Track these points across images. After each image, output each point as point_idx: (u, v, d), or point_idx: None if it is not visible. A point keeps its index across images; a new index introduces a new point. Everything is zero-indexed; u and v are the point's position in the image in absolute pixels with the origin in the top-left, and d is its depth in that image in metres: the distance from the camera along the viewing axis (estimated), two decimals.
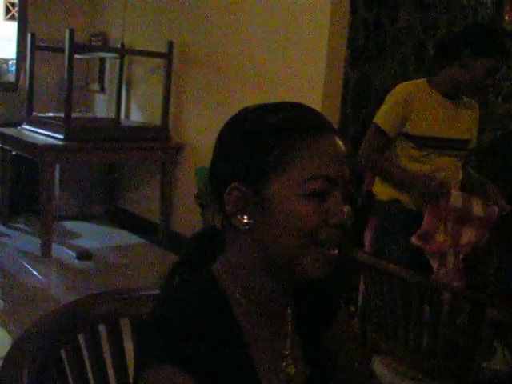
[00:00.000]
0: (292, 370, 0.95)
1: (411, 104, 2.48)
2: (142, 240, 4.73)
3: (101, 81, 5.40)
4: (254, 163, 0.87)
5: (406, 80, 2.80)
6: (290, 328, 0.98)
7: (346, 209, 0.88)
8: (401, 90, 2.55)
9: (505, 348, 2.15)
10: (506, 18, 4.50)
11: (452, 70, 2.49)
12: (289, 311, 0.99)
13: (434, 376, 2.03)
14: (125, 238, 4.80)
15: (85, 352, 1.11)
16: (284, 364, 0.95)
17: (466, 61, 2.42)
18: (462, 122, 2.58)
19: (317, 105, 3.34)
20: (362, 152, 2.55)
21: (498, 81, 4.59)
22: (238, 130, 0.92)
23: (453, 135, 2.54)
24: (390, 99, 2.54)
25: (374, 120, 2.54)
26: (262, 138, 0.88)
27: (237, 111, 0.96)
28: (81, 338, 1.11)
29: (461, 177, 2.66)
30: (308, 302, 1.02)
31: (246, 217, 0.88)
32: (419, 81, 2.60)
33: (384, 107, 2.54)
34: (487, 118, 4.56)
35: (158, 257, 4.46)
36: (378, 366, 2.17)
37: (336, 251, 0.89)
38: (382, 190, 2.60)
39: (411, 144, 2.49)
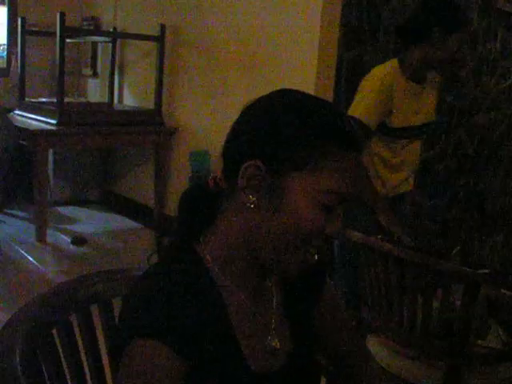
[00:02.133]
0: (277, 343, 0.96)
1: (393, 96, 2.37)
2: (137, 224, 4.72)
3: (93, 65, 5.37)
4: (284, 151, 0.87)
5: None
6: (274, 303, 0.99)
7: (338, 224, 0.91)
8: (381, 79, 2.38)
9: (499, 326, 2.16)
10: None
11: (422, 51, 2.38)
12: (273, 285, 1.00)
13: (428, 354, 2.04)
14: (119, 222, 4.80)
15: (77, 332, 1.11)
16: (269, 338, 0.96)
17: (438, 39, 2.33)
18: (429, 105, 2.57)
19: (310, 87, 3.33)
20: None
21: (493, 61, 4.58)
22: (279, 112, 0.89)
23: (423, 120, 2.52)
24: (369, 87, 2.38)
25: (352, 113, 2.31)
26: (303, 131, 0.87)
27: (278, 89, 0.94)
28: (73, 319, 1.11)
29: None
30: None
31: (255, 196, 0.88)
32: (393, 64, 2.44)
33: (363, 97, 2.36)
34: (481, 99, 4.56)
35: (153, 241, 4.44)
36: (374, 344, 2.17)
37: (316, 258, 0.92)
38: None
39: (387, 136, 2.43)
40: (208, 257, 0.92)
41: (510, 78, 4.84)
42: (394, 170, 2.53)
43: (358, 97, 2.39)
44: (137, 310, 0.85)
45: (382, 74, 2.40)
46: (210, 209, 0.95)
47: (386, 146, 2.47)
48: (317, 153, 0.86)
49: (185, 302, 0.85)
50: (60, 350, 1.07)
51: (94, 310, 1.16)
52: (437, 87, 2.62)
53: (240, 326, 0.92)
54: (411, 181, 2.67)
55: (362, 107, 2.34)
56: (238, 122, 0.93)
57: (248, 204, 0.88)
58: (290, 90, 0.94)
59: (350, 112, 2.34)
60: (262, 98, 0.93)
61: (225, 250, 0.92)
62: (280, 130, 0.87)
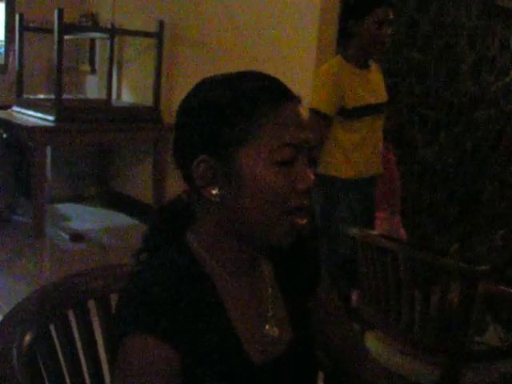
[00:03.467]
0: (275, 331, 0.96)
1: (341, 80, 2.61)
2: (135, 221, 4.72)
3: (91, 62, 5.35)
4: (219, 134, 0.87)
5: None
6: (270, 291, 0.98)
7: (311, 173, 0.89)
8: (328, 70, 2.66)
9: (496, 322, 2.16)
10: None
11: (354, 40, 2.65)
12: (267, 274, 1.00)
13: (426, 351, 2.04)
14: (118, 219, 4.80)
15: (74, 328, 1.11)
16: (267, 326, 0.95)
17: (354, 25, 2.62)
18: (379, 86, 2.81)
19: (309, 83, 3.32)
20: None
21: (492, 58, 4.58)
22: (202, 102, 0.90)
23: (377, 100, 2.74)
24: (322, 82, 2.65)
25: (312, 106, 2.58)
26: (226, 108, 0.87)
27: (197, 82, 0.95)
28: (70, 314, 1.11)
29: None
30: (287, 264, 1.03)
31: (216, 189, 0.88)
32: (336, 59, 2.73)
33: (317, 91, 2.63)
34: (480, 96, 4.56)
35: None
36: (372, 340, 2.17)
37: (304, 220, 0.90)
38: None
39: (347, 117, 2.63)
40: (197, 247, 0.92)
41: (508, 74, 4.84)
42: (358, 147, 2.70)
43: (312, 92, 2.65)
44: (129, 305, 0.85)
45: (327, 67, 2.69)
46: (189, 215, 0.95)
47: (348, 129, 2.68)
48: (252, 120, 0.86)
49: (177, 294, 0.85)
50: (57, 346, 1.07)
51: (91, 305, 1.15)
52: (380, 71, 2.87)
53: (236, 315, 0.91)
54: (378, 162, 2.83)
55: (317, 99, 2.60)
56: (174, 129, 0.94)
57: (213, 199, 0.88)
58: (204, 79, 0.95)
59: (310, 106, 2.59)
60: (184, 98, 0.94)
61: (211, 239, 0.92)
62: (204, 117, 0.88)
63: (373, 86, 2.74)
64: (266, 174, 0.86)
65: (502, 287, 2.23)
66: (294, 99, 0.90)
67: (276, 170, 0.86)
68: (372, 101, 2.70)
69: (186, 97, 0.94)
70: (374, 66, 2.80)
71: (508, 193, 5.05)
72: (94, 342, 1.15)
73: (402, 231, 3.28)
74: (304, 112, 0.91)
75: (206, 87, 0.92)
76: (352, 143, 2.67)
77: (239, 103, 0.87)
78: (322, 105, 2.58)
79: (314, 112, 2.57)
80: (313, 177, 0.89)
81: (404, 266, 1.93)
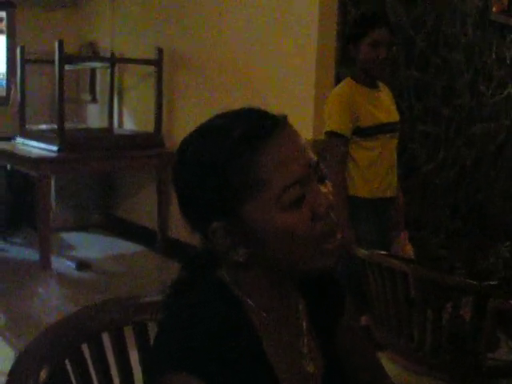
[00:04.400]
0: (312, 368, 0.94)
1: (355, 101, 2.66)
2: (141, 248, 4.72)
3: (92, 91, 5.39)
4: (221, 198, 0.83)
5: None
6: (304, 326, 0.96)
7: (325, 191, 0.86)
8: (340, 93, 2.72)
9: (509, 338, 2.15)
10: (494, 9, 4.52)
11: (357, 61, 2.72)
12: (301, 309, 0.97)
13: (439, 370, 2.03)
14: (123, 246, 4.79)
15: (90, 361, 1.11)
16: (303, 362, 0.93)
17: (353, 46, 2.68)
18: (390, 106, 2.85)
19: (309, 105, 3.36)
20: (332, 173, 2.56)
21: (488, 72, 4.61)
22: (190, 170, 0.86)
23: (389, 119, 2.77)
24: (335, 104, 2.68)
25: (329, 129, 2.65)
26: (217, 169, 0.83)
27: (176, 150, 0.90)
28: (85, 348, 1.11)
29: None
30: (316, 296, 1.00)
31: (239, 250, 0.86)
32: (346, 81, 2.77)
33: (333, 114, 2.66)
34: (478, 110, 4.58)
35: (158, 263, 4.45)
36: (385, 361, 2.16)
37: (336, 238, 0.86)
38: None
39: (362, 136, 2.66)
40: (231, 284, 0.90)
41: (505, 88, 4.87)
42: (373, 165, 2.72)
43: (327, 115, 2.69)
44: (168, 343, 0.84)
45: (339, 90, 2.76)
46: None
47: (364, 148, 2.69)
48: (247, 173, 0.81)
49: (218, 334, 0.83)
50: (73, 381, 1.07)
51: (105, 338, 1.15)
52: (389, 91, 2.92)
53: (274, 352, 0.89)
54: (394, 184, 2.85)
55: (332, 121, 2.65)
56: (177, 194, 0.90)
57: (241, 259, 0.86)
58: (188, 139, 0.89)
59: (326, 130, 2.66)
60: (176, 162, 0.89)
61: (244, 276, 0.90)
62: (199, 185, 0.85)
63: (384, 106, 2.79)
64: (281, 221, 0.82)
65: None
66: (282, 126, 0.85)
67: (289, 213, 0.82)
68: (385, 120, 2.74)
69: (175, 168, 0.89)
70: (382, 86, 2.84)
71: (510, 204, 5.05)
72: (110, 376, 1.15)
73: (409, 247, 3.28)
74: (296, 135, 0.86)
75: (189, 153, 0.87)
76: (368, 162, 2.70)
77: (231, 160, 0.82)
78: (339, 126, 2.62)
79: (332, 134, 2.63)
80: (329, 193, 0.86)
81: (414, 286, 1.93)
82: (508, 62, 4.86)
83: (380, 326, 2.15)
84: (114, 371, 1.16)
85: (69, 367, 1.06)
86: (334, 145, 2.61)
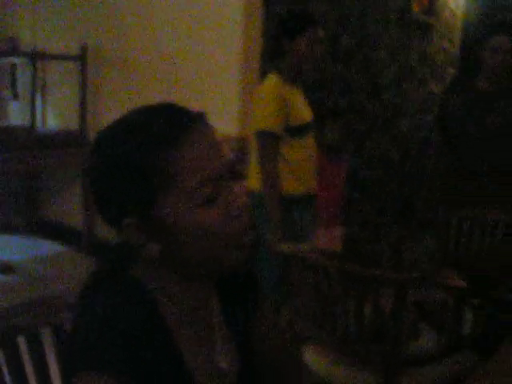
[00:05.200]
0: (225, 364, 0.94)
1: (284, 98, 2.59)
2: (66, 249, 4.61)
3: (13, 87, 5.21)
4: (134, 193, 0.83)
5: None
6: (217, 322, 0.97)
7: (239, 189, 0.87)
8: (270, 90, 2.61)
9: (430, 328, 2.21)
10: (414, 7, 4.65)
11: (289, 58, 2.65)
12: (214, 305, 0.98)
13: (363, 360, 2.07)
14: (48, 248, 4.67)
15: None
16: (217, 359, 0.94)
17: (287, 45, 2.62)
18: (306, 105, 2.80)
19: (234, 102, 3.36)
20: (265, 172, 2.56)
21: (411, 69, 4.73)
22: (104, 164, 0.85)
23: (309, 118, 2.76)
24: (264, 101, 2.60)
25: (258, 127, 2.59)
26: (131, 164, 0.82)
27: (98, 136, 0.89)
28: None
29: None
30: (231, 292, 1.01)
31: (152, 245, 0.85)
32: (273, 77, 2.67)
33: (262, 111, 2.59)
34: (403, 106, 4.70)
35: (84, 264, 4.35)
36: (311, 354, 2.19)
37: (247, 238, 0.87)
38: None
39: (292, 135, 2.62)
40: (145, 282, 0.89)
41: (428, 85, 5.02)
42: (304, 165, 2.72)
43: (257, 113, 2.61)
44: (80, 341, 0.83)
45: (269, 86, 2.64)
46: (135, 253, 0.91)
47: (294, 146, 2.66)
48: (159, 168, 0.81)
49: (129, 331, 0.82)
50: None
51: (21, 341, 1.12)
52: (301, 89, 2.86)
53: (187, 350, 0.90)
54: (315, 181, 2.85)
55: (263, 119, 2.58)
56: (91, 190, 0.89)
57: (153, 255, 0.86)
58: (102, 133, 0.89)
59: (254, 127, 2.59)
60: (90, 156, 0.89)
61: (158, 275, 0.89)
62: (111, 183, 0.84)
63: (304, 104, 2.78)
64: (193, 217, 0.83)
65: (433, 292, 2.30)
66: (197, 123, 0.85)
67: (201, 209, 0.83)
68: (308, 118, 2.74)
69: (93, 155, 0.88)
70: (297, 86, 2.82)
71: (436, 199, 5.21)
72: (26, 379, 1.12)
73: (335, 241, 3.33)
74: (210, 132, 0.86)
75: (102, 149, 0.87)
76: (298, 160, 2.68)
77: (143, 158, 0.82)
78: (270, 124, 2.57)
79: (262, 134, 2.57)
80: (243, 193, 0.87)
81: (335, 279, 1.96)
82: (430, 59, 5.01)
83: (303, 319, 2.18)
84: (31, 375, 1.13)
85: None
86: (265, 144, 2.57)
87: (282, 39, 2.67)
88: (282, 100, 2.58)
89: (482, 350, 2.09)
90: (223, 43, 3.45)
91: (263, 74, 3.44)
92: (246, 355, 0.99)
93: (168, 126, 0.83)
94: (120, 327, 0.82)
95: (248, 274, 1.05)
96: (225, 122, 3.31)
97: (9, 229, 5.00)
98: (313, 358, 2.17)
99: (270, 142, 2.58)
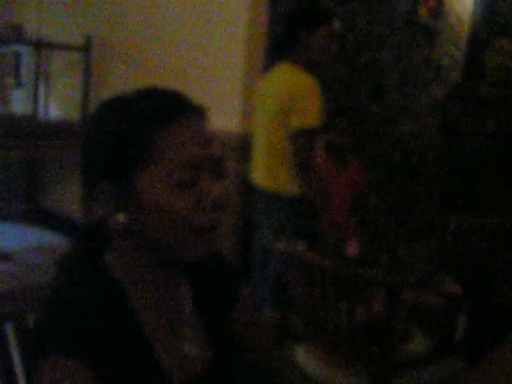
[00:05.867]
0: (193, 351, 0.95)
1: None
2: (64, 239, 4.60)
3: (17, 75, 5.21)
4: (116, 159, 0.86)
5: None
6: (188, 310, 0.98)
7: (219, 187, 0.88)
8: (312, 83, 2.45)
9: (422, 330, 2.21)
10: (421, 10, 4.63)
11: (305, 52, 2.54)
12: (185, 292, 0.99)
13: (353, 361, 2.07)
14: (46, 237, 4.66)
15: None
16: (186, 346, 0.95)
17: (311, 35, 2.51)
18: None
19: (237, 94, 3.35)
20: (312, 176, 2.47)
21: (415, 73, 4.72)
22: (97, 128, 0.89)
23: None
24: (315, 96, 2.42)
25: (308, 125, 2.39)
26: (119, 132, 0.86)
27: (100, 104, 0.93)
28: None
29: None
30: (205, 284, 1.02)
31: (120, 216, 0.87)
32: (299, 68, 2.52)
33: (314, 103, 2.41)
34: (405, 109, 4.69)
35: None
36: (301, 353, 2.19)
37: (212, 236, 0.89)
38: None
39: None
40: (114, 267, 0.91)
41: (431, 88, 5.01)
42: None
43: (304, 108, 2.40)
44: (47, 327, 0.84)
45: (308, 79, 2.45)
46: (106, 236, 0.94)
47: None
48: (146, 143, 0.85)
49: (95, 315, 0.84)
50: None
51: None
52: None
53: (155, 335, 0.91)
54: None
55: (312, 116, 2.39)
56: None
57: (118, 227, 0.88)
58: (106, 102, 0.93)
59: (305, 125, 2.39)
60: (88, 123, 0.94)
61: (127, 259, 0.91)
62: (100, 143, 0.87)
63: None
64: (166, 197, 0.85)
65: (426, 296, 2.29)
66: (192, 113, 0.88)
67: (176, 192, 0.85)
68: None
69: (89, 121, 0.93)
70: None
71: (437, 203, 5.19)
72: (12, 367, 1.11)
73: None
74: (202, 125, 0.89)
75: (100, 112, 0.91)
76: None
77: (132, 128, 0.86)
78: (318, 122, 2.41)
79: (309, 132, 2.40)
80: (221, 191, 0.88)
81: (328, 279, 1.95)
82: (434, 63, 5.00)
83: (298, 318, 2.17)
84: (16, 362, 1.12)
85: None
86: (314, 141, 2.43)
87: (296, 32, 2.54)
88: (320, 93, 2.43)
89: (472, 356, 2.09)
90: (228, 36, 3.44)
91: (266, 71, 3.44)
92: (219, 345, 1.00)
93: (163, 107, 0.87)
94: (87, 313, 0.84)
95: (223, 265, 1.06)
96: (227, 118, 3.31)
97: (7, 217, 5.00)
98: (305, 358, 2.17)
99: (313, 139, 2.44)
